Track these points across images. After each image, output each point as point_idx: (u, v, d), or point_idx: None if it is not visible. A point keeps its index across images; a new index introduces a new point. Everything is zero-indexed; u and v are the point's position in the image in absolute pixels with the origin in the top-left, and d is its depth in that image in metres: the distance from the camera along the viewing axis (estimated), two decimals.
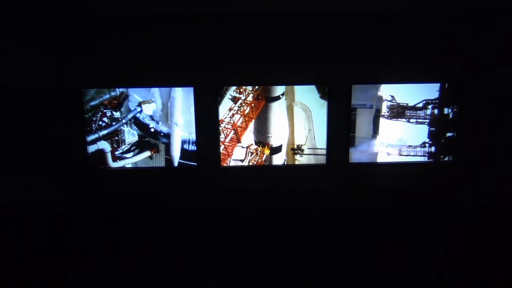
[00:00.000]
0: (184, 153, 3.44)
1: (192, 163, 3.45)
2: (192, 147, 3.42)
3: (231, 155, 3.44)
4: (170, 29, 3.26)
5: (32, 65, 3.27)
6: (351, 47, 3.33)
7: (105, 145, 3.39)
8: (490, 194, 3.49)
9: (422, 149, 3.46)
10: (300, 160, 3.47)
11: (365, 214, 3.51)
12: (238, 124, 3.38)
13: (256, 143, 3.44)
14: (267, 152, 3.42)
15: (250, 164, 3.47)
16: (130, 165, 3.44)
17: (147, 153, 3.43)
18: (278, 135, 3.43)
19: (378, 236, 3.34)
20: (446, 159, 3.48)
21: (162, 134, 3.39)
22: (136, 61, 3.31)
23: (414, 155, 3.48)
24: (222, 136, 3.39)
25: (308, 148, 3.45)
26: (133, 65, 3.31)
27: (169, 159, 3.45)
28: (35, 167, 3.39)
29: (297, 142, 3.45)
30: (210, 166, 3.47)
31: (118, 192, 3.49)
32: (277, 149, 3.44)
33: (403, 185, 3.51)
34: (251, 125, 3.41)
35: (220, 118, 3.36)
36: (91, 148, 3.37)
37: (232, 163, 3.46)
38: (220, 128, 3.37)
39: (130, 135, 3.38)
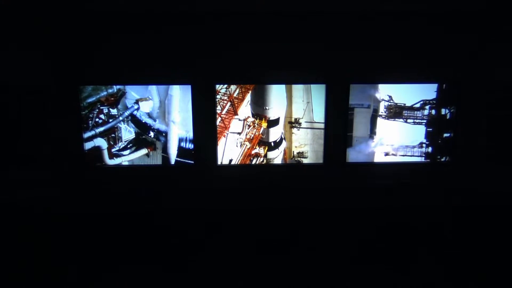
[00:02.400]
0: (181, 151, 3.43)
1: (189, 161, 3.45)
2: (189, 145, 3.41)
3: (228, 127, 3.39)
4: (168, 27, 3.26)
5: (30, 62, 3.26)
6: (349, 47, 3.34)
7: (101, 142, 3.37)
8: (486, 194, 3.49)
9: (419, 149, 3.47)
10: (297, 133, 3.42)
11: (362, 214, 3.50)
12: (235, 95, 3.33)
13: (253, 116, 3.39)
14: (264, 125, 3.38)
15: (246, 156, 3.46)
16: (126, 163, 3.43)
17: (143, 151, 3.42)
18: (275, 107, 3.38)
19: (375, 235, 3.34)
20: (442, 159, 3.49)
21: (159, 131, 3.38)
22: (134, 59, 3.30)
23: (411, 155, 3.48)
24: (218, 108, 3.34)
25: (305, 122, 3.41)
26: (130, 63, 3.31)
27: (166, 157, 3.44)
28: (31, 164, 3.37)
29: (295, 115, 3.40)
30: (207, 164, 3.46)
31: (114, 189, 3.48)
32: (275, 122, 3.40)
33: (400, 185, 3.51)
34: (248, 97, 3.36)
35: (216, 89, 3.33)
36: (88, 145, 3.36)
37: (230, 136, 3.41)
38: (216, 99, 3.33)
39: (127, 133, 3.37)
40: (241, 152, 3.46)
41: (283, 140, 3.45)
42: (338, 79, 3.34)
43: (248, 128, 3.39)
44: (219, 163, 3.45)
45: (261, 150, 3.46)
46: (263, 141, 3.44)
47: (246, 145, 3.43)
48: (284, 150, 3.47)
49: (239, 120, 3.39)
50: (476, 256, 3.08)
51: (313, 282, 2.83)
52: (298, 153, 3.48)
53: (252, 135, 3.40)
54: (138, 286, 2.81)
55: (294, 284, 2.81)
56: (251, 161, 3.48)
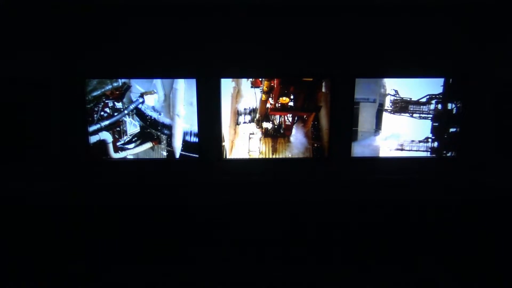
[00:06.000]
0: (186, 144, 3.43)
1: (194, 155, 3.45)
2: (194, 139, 3.41)
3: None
4: (174, 20, 3.24)
5: (35, 55, 3.25)
6: (355, 40, 3.31)
7: (106, 136, 3.38)
8: (493, 189, 3.48)
9: (425, 144, 3.45)
10: None
11: (366, 208, 3.50)
12: None
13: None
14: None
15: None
16: (131, 156, 3.44)
17: (148, 145, 3.43)
18: None
19: (378, 231, 3.35)
20: (448, 154, 3.47)
21: (164, 125, 3.38)
22: (139, 52, 3.29)
23: (416, 150, 3.46)
24: None
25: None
26: (135, 56, 3.30)
27: (170, 151, 3.44)
28: (36, 157, 3.39)
29: None
30: (212, 158, 3.46)
31: (119, 183, 3.49)
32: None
33: (405, 180, 3.50)
34: None
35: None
36: (93, 139, 3.37)
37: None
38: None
39: (132, 126, 3.37)
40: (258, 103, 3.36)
41: None
42: (344, 73, 3.32)
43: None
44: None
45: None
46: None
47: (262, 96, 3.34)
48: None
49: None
50: (483, 253, 3.08)
51: (314, 278, 2.84)
52: None
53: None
54: (138, 282, 2.82)
55: (298, 279, 2.82)
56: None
